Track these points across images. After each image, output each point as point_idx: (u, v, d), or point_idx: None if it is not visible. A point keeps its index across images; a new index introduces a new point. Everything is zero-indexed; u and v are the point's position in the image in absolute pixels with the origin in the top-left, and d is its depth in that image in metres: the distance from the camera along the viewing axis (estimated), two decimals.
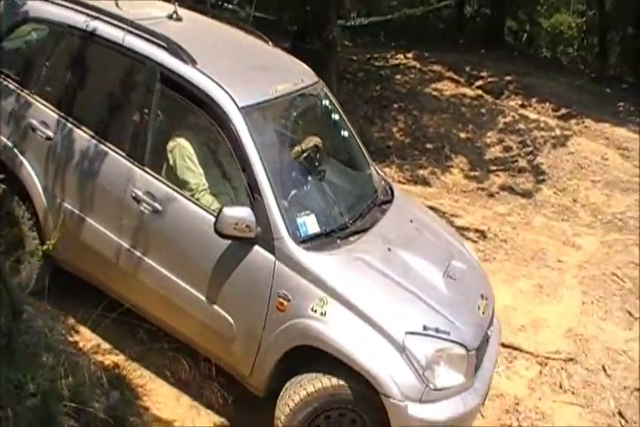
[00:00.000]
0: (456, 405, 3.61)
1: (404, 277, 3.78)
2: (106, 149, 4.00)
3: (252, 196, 3.65)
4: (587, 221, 7.31)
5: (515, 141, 8.96)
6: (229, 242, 3.65)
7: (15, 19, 4.35)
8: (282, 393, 3.67)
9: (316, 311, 3.53)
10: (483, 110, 9.82)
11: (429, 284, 3.85)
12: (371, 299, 3.59)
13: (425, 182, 8.01)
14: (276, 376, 3.72)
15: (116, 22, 4.06)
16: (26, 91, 4.22)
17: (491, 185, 8.03)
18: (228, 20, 4.91)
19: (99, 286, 4.18)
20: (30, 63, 4.32)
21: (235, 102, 3.76)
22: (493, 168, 8.37)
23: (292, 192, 3.89)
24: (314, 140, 4.17)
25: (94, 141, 4.03)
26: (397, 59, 12.07)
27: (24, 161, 4.17)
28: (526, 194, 7.83)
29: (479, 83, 10.95)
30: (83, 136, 4.06)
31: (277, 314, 3.60)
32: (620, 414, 4.81)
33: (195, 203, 3.80)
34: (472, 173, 8.27)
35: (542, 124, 9.36)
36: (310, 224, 3.80)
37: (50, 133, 4.14)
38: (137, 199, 3.88)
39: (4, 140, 4.22)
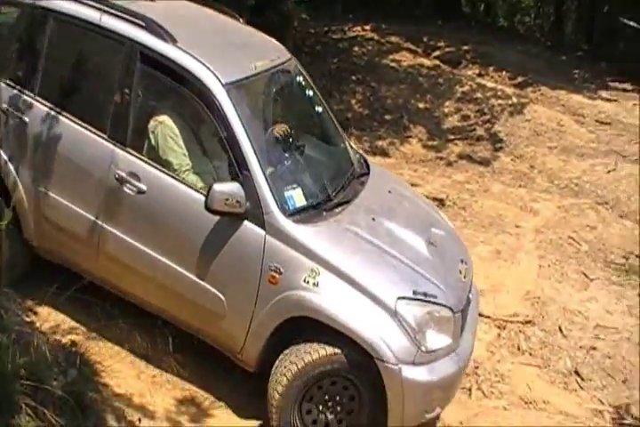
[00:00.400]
0: (445, 366, 3.75)
1: (390, 244, 3.91)
2: (85, 131, 3.96)
3: (241, 172, 3.69)
4: (544, 187, 7.40)
5: (472, 110, 8.99)
6: (217, 219, 3.69)
7: None
8: (276, 365, 3.73)
9: (308, 282, 3.62)
10: (440, 80, 9.81)
11: (414, 250, 3.99)
12: (361, 267, 3.71)
13: (384, 153, 8.01)
14: (267, 350, 3.79)
15: (91, 3, 3.99)
16: None
17: (449, 154, 8.06)
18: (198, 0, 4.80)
19: (80, 272, 4.12)
20: None
21: (218, 79, 3.78)
22: (451, 137, 8.39)
23: (277, 167, 3.96)
24: (283, 128, 4.25)
25: (73, 124, 3.98)
26: (355, 31, 11.98)
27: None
28: (484, 162, 7.88)
29: (436, 53, 10.92)
30: (60, 119, 4.00)
31: (269, 287, 3.67)
32: (577, 372, 4.95)
33: (181, 182, 3.81)
34: (430, 143, 8.29)
35: (499, 93, 9.39)
36: (297, 197, 3.88)
37: (25, 118, 4.07)
38: (121, 180, 3.87)
39: None
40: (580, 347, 5.09)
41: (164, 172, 3.84)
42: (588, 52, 12.00)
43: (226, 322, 3.82)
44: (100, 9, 3.94)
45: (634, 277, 6.01)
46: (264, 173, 3.71)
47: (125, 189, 3.87)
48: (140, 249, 3.89)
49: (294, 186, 3.89)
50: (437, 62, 10.54)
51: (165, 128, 3.91)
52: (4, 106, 4.08)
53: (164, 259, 3.86)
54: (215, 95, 3.75)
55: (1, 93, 4.09)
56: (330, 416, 3.79)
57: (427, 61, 10.56)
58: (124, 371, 4.05)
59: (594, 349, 5.08)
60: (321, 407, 3.77)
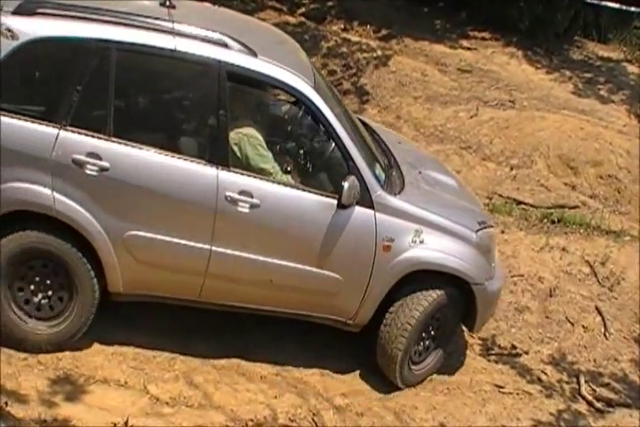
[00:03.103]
0: (499, 276, 4.73)
1: (442, 189, 4.73)
2: (178, 161, 3.90)
3: (347, 163, 4.07)
4: (410, 136, 7.49)
5: (338, 65, 8.98)
6: (332, 213, 4.04)
7: (12, 43, 3.76)
8: (390, 317, 4.31)
9: (415, 242, 4.22)
10: (306, 37, 9.69)
11: (452, 188, 4.86)
12: (444, 216, 4.37)
13: None
14: (377, 309, 4.31)
15: (159, 26, 3.86)
16: (52, 124, 3.79)
17: None
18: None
19: (176, 302, 4.19)
20: (51, 91, 3.85)
21: (308, 83, 4.09)
22: None
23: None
24: None
25: (161, 157, 3.88)
26: None
27: (70, 203, 3.83)
28: None
29: (301, 10, 10.81)
30: (146, 155, 3.86)
31: (384, 256, 4.16)
32: None
33: (290, 186, 4.08)
34: None
35: (364, 46, 9.42)
36: (380, 173, 4.33)
37: (104, 164, 3.81)
38: (233, 201, 3.93)
39: (36, 187, 3.79)
40: None
41: (272, 181, 4.04)
42: (449, 2, 12.17)
43: (341, 297, 4.23)
44: (171, 32, 3.84)
45: (497, 216, 6.25)
46: (364, 161, 4.12)
47: (239, 209, 3.95)
48: (254, 259, 4.06)
49: (375, 164, 4.31)
50: (302, 19, 10.44)
51: (251, 138, 4.07)
52: (76, 156, 3.79)
53: (281, 261, 4.09)
54: (311, 99, 4.04)
55: (66, 143, 3.80)
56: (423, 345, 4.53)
57: (292, 19, 10.42)
58: None
59: None
60: (421, 346, 4.51)
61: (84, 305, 4.00)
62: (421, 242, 4.22)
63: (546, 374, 4.93)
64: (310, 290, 4.20)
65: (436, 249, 4.27)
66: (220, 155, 3.94)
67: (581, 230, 6.34)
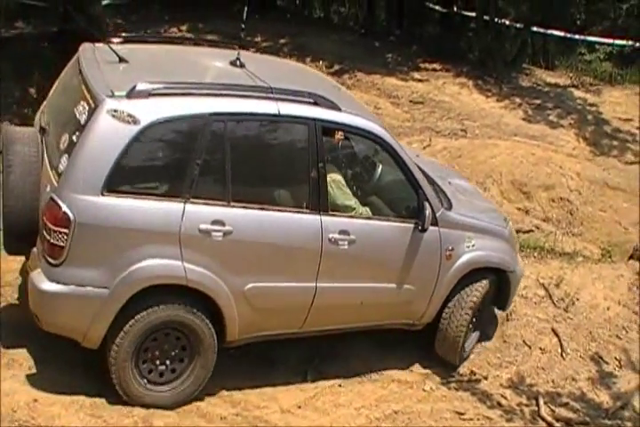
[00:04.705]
0: (519, 261, 5.47)
1: (470, 196, 5.48)
2: (287, 214, 4.24)
3: (417, 191, 4.57)
4: None
5: None
6: (410, 234, 4.59)
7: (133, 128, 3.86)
8: (449, 311, 4.94)
9: (469, 247, 4.88)
10: None
11: (474, 193, 5.74)
12: (483, 221, 5.08)
13: None
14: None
15: (254, 94, 4.14)
16: (178, 199, 3.96)
17: None
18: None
19: (279, 337, 4.55)
20: (173, 168, 4.02)
21: (384, 128, 4.63)
22: None
23: None
24: None
25: (274, 213, 4.19)
26: (172, 32, 11.83)
27: (199, 269, 4.02)
28: None
29: (254, 49, 11.01)
30: (262, 214, 4.15)
31: (446, 263, 4.79)
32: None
33: (376, 219, 4.57)
34: None
35: None
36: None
37: (228, 228, 4.04)
38: (335, 241, 4.34)
39: (167, 261, 3.96)
40: None
41: (361, 217, 4.51)
42: (400, 36, 12.57)
43: (413, 304, 4.81)
44: (274, 98, 4.14)
45: None
46: (428, 187, 4.68)
47: (340, 247, 4.36)
48: (349, 287, 4.50)
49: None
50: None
51: (338, 183, 4.52)
52: (203, 226, 3.99)
53: (370, 284, 4.57)
54: (389, 142, 4.56)
55: (194, 215, 4.00)
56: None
57: None
58: None
59: None
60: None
61: (205, 364, 4.20)
62: (473, 246, 4.90)
63: (505, 398, 4.98)
64: (391, 303, 4.74)
65: (484, 249, 4.97)
66: (321, 202, 4.32)
67: (535, 254, 6.47)
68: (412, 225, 4.57)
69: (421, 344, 5.17)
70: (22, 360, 4.29)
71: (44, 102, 4.77)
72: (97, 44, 4.51)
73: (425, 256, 4.69)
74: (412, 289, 4.73)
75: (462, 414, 4.73)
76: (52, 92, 4.74)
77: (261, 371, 4.68)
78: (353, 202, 4.56)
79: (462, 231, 4.86)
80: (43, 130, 4.37)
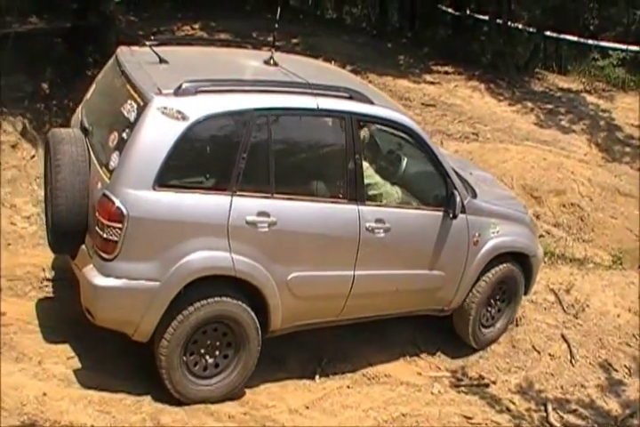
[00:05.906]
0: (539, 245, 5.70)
1: (491, 185, 5.71)
2: (327, 204, 4.36)
3: (445, 180, 4.75)
4: None
5: None
6: (441, 221, 4.75)
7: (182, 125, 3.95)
8: (473, 295, 5.12)
9: (494, 233, 5.07)
10: None
11: (494, 183, 5.99)
12: (505, 208, 5.29)
13: None
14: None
15: (292, 89, 4.28)
16: (225, 192, 4.06)
17: None
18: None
19: (317, 325, 4.63)
20: (221, 162, 4.12)
21: (413, 121, 4.80)
22: None
23: None
24: None
25: (317, 204, 4.33)
26: (184, 30, 11.82)
27: (246, 260, 4.11)
28: None
29: (266, 48, 10.99)
30: (304, 204, 4.28)
31: (473, 249, 4.98)
32: (414, 343, 5.14)
33: (408, 207, 4.76)
34: None
35: None
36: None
37: (273, 219, 4.14)
38: (371, 230, 4.47)
39: (215, 253, 4.05)
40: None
41: (393, 206, 4.68)
42: (412, 38, 12.51)
43: (443, 290, 4.95)
44: (313, 94, 4.29)
45: None
46: (456, 177, 4.83)
47: (376, 235, 4.49)
48: (385, 274, 4.64)
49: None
50: None
51: (368, 171, 4.66)
52: (249, 217, 4.08)
53: (404, 271, 4.73)
54: (419, 133, 4.73)
55: (239, 208, 4.08)
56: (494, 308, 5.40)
57: None
58: None
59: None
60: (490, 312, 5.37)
61: (249, 357, 4.28)
62: (498, 232, 5.08)
63: (514, 403, 4.96)
64: (423, 289, 4.89)
65: (508, 235, 5.16)
66: (358, 192, 4.45)
67: (546, 259, 6.44)
68: (441, 213, 4.75)
69: (430, 348, 5.15)
70: (32, 354, 4.31)
71: (81, 105, 4.83)
72: (133, 48, 4.64)
73: (454, 243, 4.85)
74: (443, 275, 4.88)
75: (470, 418, 4.71)
76: (89, 94, 4.80)
77: (270, 370, 4.66)
78: (383, 191, 4.73)
79: (487, 218, 5.06)
80: (85, 130, 4.43)
